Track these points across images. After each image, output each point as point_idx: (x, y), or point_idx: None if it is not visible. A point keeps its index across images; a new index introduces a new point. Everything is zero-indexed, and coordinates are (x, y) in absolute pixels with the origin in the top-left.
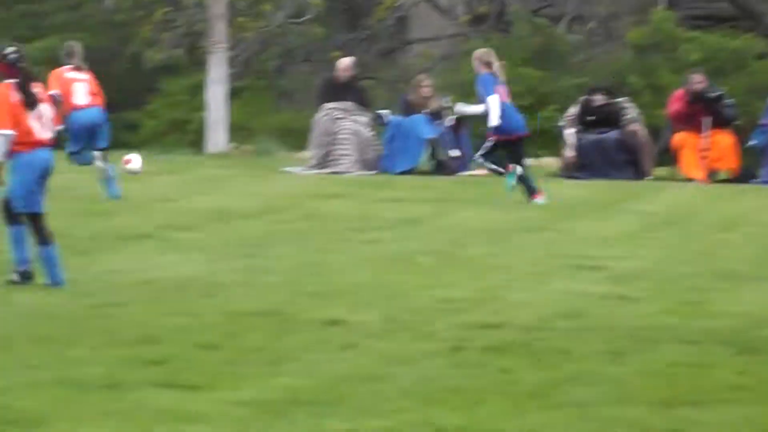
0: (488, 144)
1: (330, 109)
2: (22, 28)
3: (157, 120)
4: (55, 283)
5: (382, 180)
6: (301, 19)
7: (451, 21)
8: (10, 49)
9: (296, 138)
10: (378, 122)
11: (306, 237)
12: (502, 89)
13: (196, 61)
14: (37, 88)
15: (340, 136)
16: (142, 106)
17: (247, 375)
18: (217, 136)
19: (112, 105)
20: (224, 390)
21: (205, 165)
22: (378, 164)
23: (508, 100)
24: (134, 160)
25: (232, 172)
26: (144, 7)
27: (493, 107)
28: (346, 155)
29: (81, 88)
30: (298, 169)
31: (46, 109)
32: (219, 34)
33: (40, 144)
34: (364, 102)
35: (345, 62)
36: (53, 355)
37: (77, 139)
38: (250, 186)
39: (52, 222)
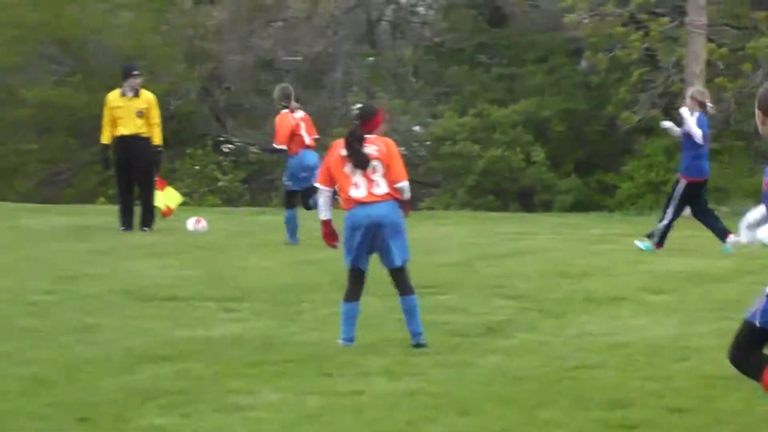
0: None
1: None
2: (499, 91)
3: (633, 182)
4: (414, 333)
5: None
6: None
7: None
8: (357, 106)
9: None
10: None
11: None
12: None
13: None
14: (370, 148)
15: None
16: (617, 168)
17: None
18: None
19: (586, 167)
20: None
21: (679, 227)
22: None
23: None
24: (203, 222)
25: (705, 233)
26: (620, 69)
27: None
28: None
29: (305, 130)
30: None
31: (378, 167)
32: None
33: (365, 201)
34: None
35: None
36: (522, 417)
37: (296, 179)
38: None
39: (527, 285)
